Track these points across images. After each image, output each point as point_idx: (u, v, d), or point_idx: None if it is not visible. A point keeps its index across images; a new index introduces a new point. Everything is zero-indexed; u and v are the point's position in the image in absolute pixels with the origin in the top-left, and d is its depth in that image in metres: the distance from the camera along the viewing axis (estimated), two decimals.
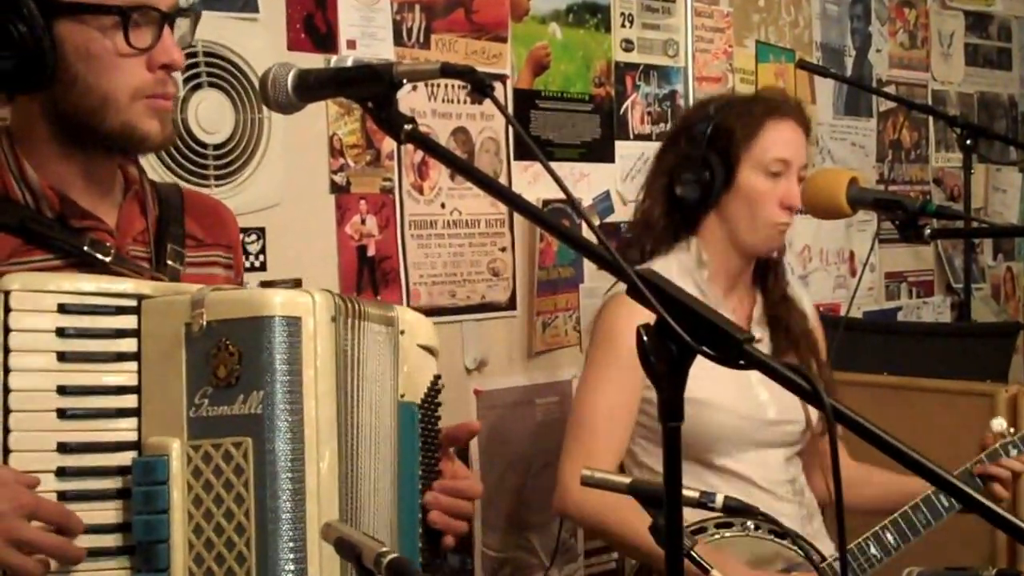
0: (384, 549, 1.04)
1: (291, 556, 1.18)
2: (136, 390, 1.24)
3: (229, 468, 1.19)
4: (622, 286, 2.09)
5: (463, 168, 1.25)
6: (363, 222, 2.25)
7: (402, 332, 1.37)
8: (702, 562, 1.44)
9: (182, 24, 1.38)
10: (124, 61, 1.30)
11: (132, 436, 1.23)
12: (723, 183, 2.01)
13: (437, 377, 1.41)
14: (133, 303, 1.25)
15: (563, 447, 2.01)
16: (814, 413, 2.06)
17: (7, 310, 1.19)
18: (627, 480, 1.47)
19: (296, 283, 1.28)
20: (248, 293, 1.33)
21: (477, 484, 1.45)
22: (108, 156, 1.38)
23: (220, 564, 1.18)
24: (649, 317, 2.01)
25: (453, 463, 1.43)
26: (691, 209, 2.04)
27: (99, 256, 1.31)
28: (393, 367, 1.36)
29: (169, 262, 1.39)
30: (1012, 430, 2.04)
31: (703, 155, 2.01)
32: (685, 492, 1.32)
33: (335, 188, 2.21)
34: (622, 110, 2.76)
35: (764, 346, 2.08)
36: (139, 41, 1.30)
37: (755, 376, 2.00)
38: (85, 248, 1.31)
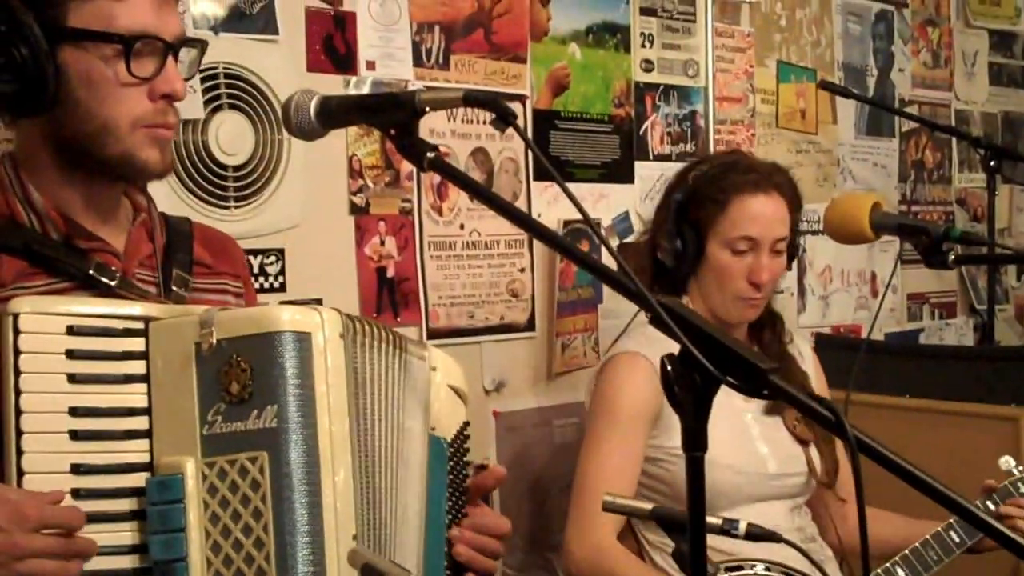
0: None
1: (311, 570, 1.17)
2: (146, 411, 1.24)
3: (245, 483, 1.19)
4: (619, 345, 2.12)
5: (485, 196, 1.25)
6: (382, 243, 2.25)
7: (433, 369, 1.40)
8: None
9: (189, 54, 1.38)
10: (125, 90, 1.30)
11: (144, 458, 1.23)
12: (695, 253, 2.04)
13: (466, 424, 1.42)
14: (140, 325, 1.25)
15: (568, 511, 2.03)
16: (816, 463, 2.06)
17: (16, 332, 1.19)
18: (649, 507, 1.46)
19: (317, 304, 1.28)
20: (257, 311, 1.35)
21: (505, 521, 1.45)
22: (110, 183, 1.38)
23: None
24: (647, 375, 2.03)
25: (480, 509, 1.44)
26: (672, 274, 2.07)
27: (104, 280, 1.32)
28: (422, 395, 1.37)
29: (174, 288, 1.40)
30: (1022, 468, 2.01)
31: (678, 225, 2.03)
32: (708, 519, 1.31)
33: (354, 209, 2.21)
34: (642, 130, 2.75)
35: (757, 403, 2.07)
36: (141, 70, 1.30)
37: (754, 430, 2.03)
38: (91, 271, 1.31)
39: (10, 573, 1.13)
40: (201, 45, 1.40)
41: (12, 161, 1.36)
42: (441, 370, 1.42)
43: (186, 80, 1.36)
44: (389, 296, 2.25)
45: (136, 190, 1.44)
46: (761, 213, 2.03)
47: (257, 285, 2.05)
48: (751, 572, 1.84)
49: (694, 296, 2.09)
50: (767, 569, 1.82)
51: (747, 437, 2.01)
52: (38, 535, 1.14)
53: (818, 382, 2.21)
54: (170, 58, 1.33)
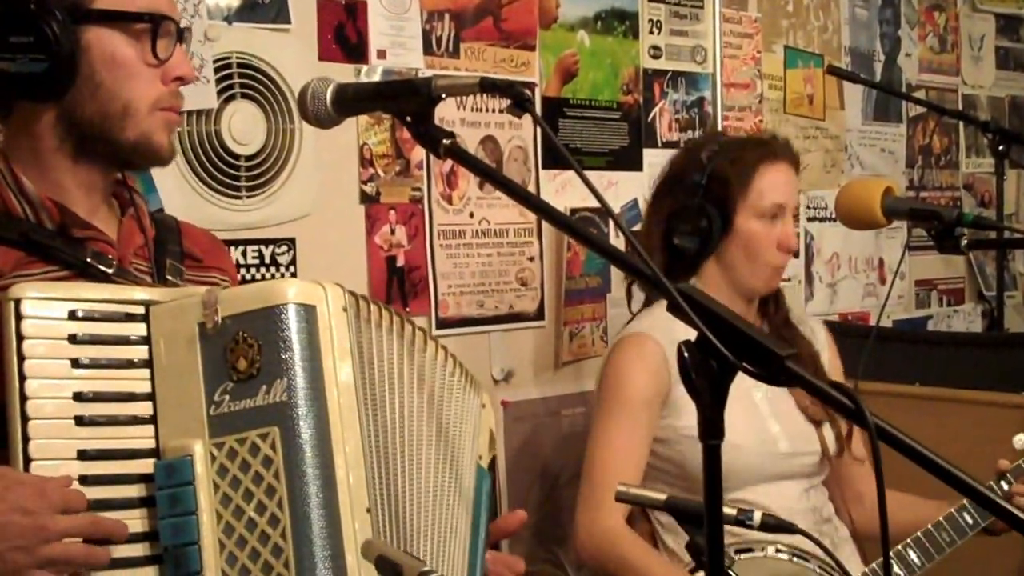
0: (426, 568, 1.03)
1: (328, 543, 1.16)
2: (150, 396, 1.23)
3: (257, 461, 1.18)
4: (630, 327, 2.13)
5: (502, 183, 1.23)
6: (392, 232, 2.25)
7: (483, 406, 1.44)
8: None
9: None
10: (146, 72, 1.32)
11: (150, 443, 1.22)
12: (721, 230, 2.04)
13: (492, 479, 1.45)
14: (141, 310, 1.25)
15: (578, 493, 2.04)
16: (830, 442, 2.06)
17: (19, 318, 1.18)
18: (663, 497, 1.46)
19: None
20: (260, 286, 1.34)
21: (521, 561, 1.48)
22: (114, 168, 1.38)
23: (255, 560, 1.17)
24: (657, 357, 2.03)
25: (493, 551, 1.47)
26: (690, 256, 2.06)
27: (101, 268, 1.31)
28: (472, 421, 1.41)
29: (169, 278, 1.40)
30: None
31: (700, 204, 2.03)
32: (723, 510, 1.31)
33: (365, 198, 2.21)
34: (650, 117, 2.75)
35: None
36: (162, 52, 1.32)
37: (766, 409, 2.03)
38: (88, 260, 1.31)
39: (36, 557, 1.12)
40: (187, 35, 1.41)
41: (2, 154, 1.35)
42: (488, 409, 1.45)
43: None
44: (399, 285, 2.26)
45: (121, 185, 1.44)
46: (784, 180, 2.07)
47: (268, 275, 2.06)
48: (761, 555, 1.85)
49: (709, 275, 2.07)
50: (777, 551, 1.82)
51: (758, 416, 2.01)
52: (64, 517, 1.13)
53: (833, 364, 2.20)
54: (178, 43, 1.35)
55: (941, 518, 1.94)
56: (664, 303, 2.15)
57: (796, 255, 2.15)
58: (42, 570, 1.12)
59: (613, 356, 2.07)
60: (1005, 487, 1.96)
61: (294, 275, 2.09)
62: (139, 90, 1.31)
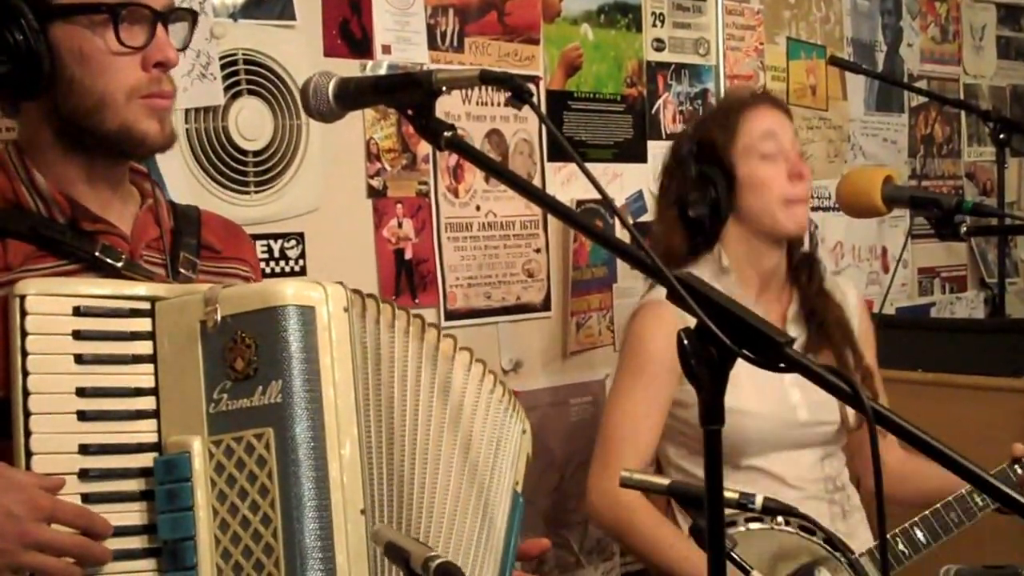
0: (433, 553, 1.05)
1: (319, 544, 1.17)
2: (154, 391, 1.25)
3: (251, 460, 1.19)
4: (651, 294, 2.13)
5: (503, 174, 1.25)
6: (400, 226, 2.27)
7: (524, 432, 1.44)
8: (743, 563, 1.45)
9: (181, 27, 1.39)
10: (118, 60, 1.31)
11: (152, 438, 1.24)
12: (727, 187, 2.03)
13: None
14: (147, 305, 1.26)
15: (593, 454, 2.04)
16: (851, 413, 2.06)
17: (23, 314, 1.20)
18: (666, 481, 1.48)
19: None
20: (260, 286, 1.35)
21: None
22: (112, 159, 1.39)
23: (248, 558, 1.18)
24: (677, 324, 2.04)
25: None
26: (710, 224, 2.05)
27: (110, 262, 1.33)
28: (513, 448, 1.41)
29: (182, 270, 1.40)
30: None
31: (698, 170, 2.04)
32: (724, 493, 1.33)
33: (372, 192, 2.24)
34: (654, 109, 2.77)
35: (798, 343, 2.07)
36: (131, 39, 1.31)
37: (789, 378, 2.00)
38: (97, 254, 1.32)
39: (14, 561, 1.13)
40: (192, 16, 1.40)
41: (16, 148, 1.37)
42: (528, 435, 1.46)
43: (179, 51, 1.37)
44: (407, 278, 2.28)
45: (143, 177, 1.45)
46: (771, 117, 2.07)
47: (278, 269, 2.08)
48: (767, 527, 1.86)
49: (733, 236, 2.06)
50: (787, 523, 1.84)
51: (779, 383, 2.00)
52: (50, 529, 1.15)
53: (864, 329, 2.18)
54: (160, 27, 1.34)
55: (951, 498, 1.94)
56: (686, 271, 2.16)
57: (807, 182, 2.07)
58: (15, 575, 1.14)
59: (634, 322, 2.07)
60: (1020, 471, 1.96)
61: (303, 269, 2.12)
62: (114, 81, 1.31)
